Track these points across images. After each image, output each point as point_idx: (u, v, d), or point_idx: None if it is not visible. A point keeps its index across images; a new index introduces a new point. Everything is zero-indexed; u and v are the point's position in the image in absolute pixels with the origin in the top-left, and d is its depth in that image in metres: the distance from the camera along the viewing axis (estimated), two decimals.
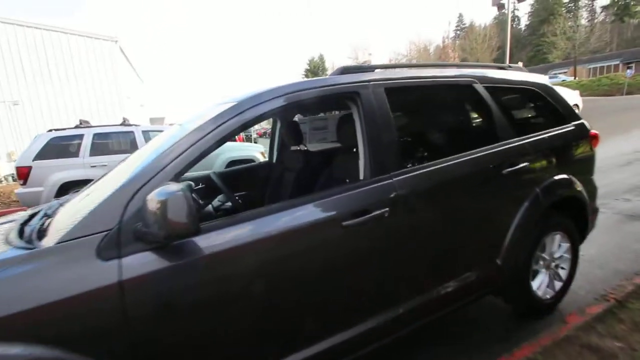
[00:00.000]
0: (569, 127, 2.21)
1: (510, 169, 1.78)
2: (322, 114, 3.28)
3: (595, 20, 44.10)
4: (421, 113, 1.86)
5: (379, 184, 1.44)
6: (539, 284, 2.10)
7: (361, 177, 1.51)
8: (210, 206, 1.61)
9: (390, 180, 1.46)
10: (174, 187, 0.96)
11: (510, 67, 2.22)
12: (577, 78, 30.25)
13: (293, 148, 2.66)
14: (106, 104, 15.89)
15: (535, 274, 2.08)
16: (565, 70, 35.46)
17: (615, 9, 43.45)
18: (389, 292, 1.49)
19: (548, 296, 2.14)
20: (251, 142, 14.64)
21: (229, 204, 1.61)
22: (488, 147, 1.77)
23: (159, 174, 1.10)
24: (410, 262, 1.54)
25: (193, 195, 1.76)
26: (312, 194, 1.35)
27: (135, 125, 6.41)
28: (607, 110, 14.03)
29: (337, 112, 3.20)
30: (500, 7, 17.33)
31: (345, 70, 1.58)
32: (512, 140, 1.87)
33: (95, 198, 1.14)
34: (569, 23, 36.13)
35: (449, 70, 1.84)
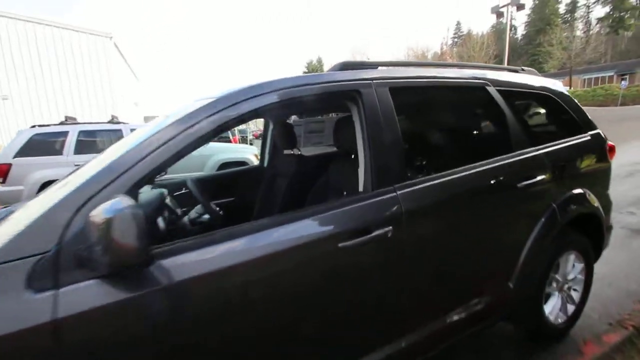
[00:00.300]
0: (586, 137, 2.03)
1: (526, 182, 1.59)
2: (318, 117, 3.08)
3: (591, 32, 44.74)
4: (429, 117, 1.67)
5: (382, 197, 1.24)
6: (552, 308, 1.92)
7: (360, 188, 1.32)
8: (186, 218, 1.39)
9: (394, 194, 1.26)
10: (125, 201, 0.75)
11: (523, 70, 2.05)
12: (571, 88, 30.52)
13: (286, 152, 2.46)
14: (98, 101, 15.56)
15: (547, 297, 1.90)
16: (561, 80, 35.80)
17: (610, 21, 44.27)
18: (391, 324, 1.29)
19: (560, 321, 1.96)
20: (247, 143, 14.39)
21: (207, 216, 1.39)
22: (502, 157, 1.59)
23: (113, 183, 0.89)
24: (416, 289, 1.34)
25: (170, 203, 1.55)
26: (303, 209, 1.14)
27: (124, 123, 6.16)
28: (603, 120, 14.05)
29: (334, 115, 3.00)
30: (499, 14, 17.38)
31: (345, 66, 1.39)
32: (527, 150, 1.69)
33: (34, 211, 0.92)
34: (565, 34, 36.56)
35: (460, 71, 1.65)
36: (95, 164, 1.06)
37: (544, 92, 1.96)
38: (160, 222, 1.21)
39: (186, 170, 5.95)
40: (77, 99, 15.29)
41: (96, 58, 15.65)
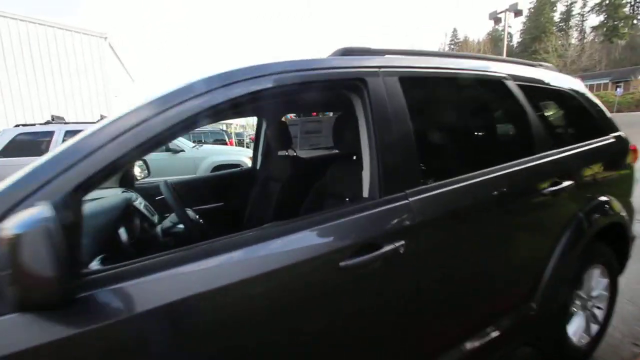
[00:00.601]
0: (609, 139, 1.85)
1: (552, 189, 1.40)
2: (315, 117, 2.88)
3: (585, 40, 45.27)
4: (444, 113, 1.48)
5: (391, 205, 1.04)
6: (575, 328, 1.72)
7: (365, 194, 1.11)
8: (159, 228, 1.17)
9: (406, 201, 1.06)
10: (42, 212, 0.54)
11: (540, 65, 1.87)
12: None
13: (280, 153, 2.25)
14: (92, 101, 15.26)
15: (570, 316, 1.70)
16: None
17: (605, 29, 44.85)
18: (401, 358, 1.08)
19: (584, 342, 1.75)
20: (243, 146, 14.14)
21: (182, 226, 1.17)
22: (526, 159, 1.40)
23: (45, 186, 0.67)
24: (432, 314, 1.13)
25: (144, 210, 1.34)
26: (295, 219, 0.93)
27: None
28: None
29: (332, 114, 2.80)
30: (497, 20, 17.41)
31: (347, 52, 1.19)
32: (551, 152, 1.50)
33: None
34: (560, 41, 36.91)
35: (476, 62, 1.47)
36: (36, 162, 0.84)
37: (565, 90, 1.78)
38: (123, 234, 0.99)
39: (177, 173, 5.73)
40: (70, 99, 14.99)
41: (90, 58, 15.37)
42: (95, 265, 0.81)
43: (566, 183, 1.45)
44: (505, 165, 1.34)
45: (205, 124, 0.96)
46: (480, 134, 1.63)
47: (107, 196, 1.14)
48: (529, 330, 1.48)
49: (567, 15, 50.05)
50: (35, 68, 14.36)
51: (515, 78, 1.54)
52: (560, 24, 50.26)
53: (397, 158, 1.09)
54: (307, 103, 1.90)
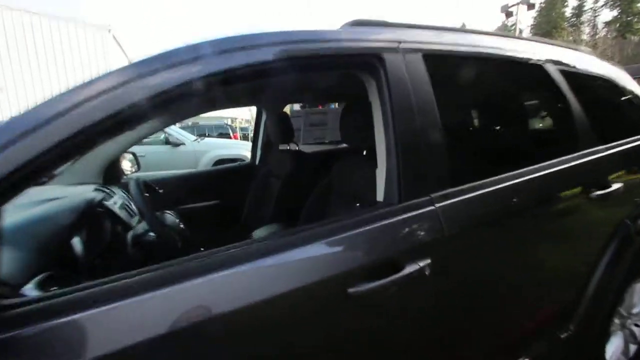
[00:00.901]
0: None
1: (601, 192, 1.18)
2: (320, 108, 2.66)
3: (597, 36, 44.14)
4: (476, 101, 1.25)
5: (414, 212, 0.83)
6: (613, 350, 1.51)
7: (380, 197, 0.91)
8: (130, 235, 0.97)
9: (432, 207, 0.85)
10: None
11: (579, 49, 1.63)
12: None
13: (282, 147, 2.06)
14: None
15: (608, 337, 1.49)
16: None
17: (618, 25, 43.69)
18: None
19: None
20: (248, 140, 13.94)
21: (152, 234, 0.95)
22: (571, 156, 1.18)
23: None
24: (458, 343, 0.93)
25: (122, 212, 1.15)
26: (291, 232, 0.73)
27: None
28: None
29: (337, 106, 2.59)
30: (508, 14, 16.91)
31: (360, 23, 0.98)
32: (597, 149, 1.28)
33: None
34: (571, 37, 36.05)
35: (512, 41, 1.24)
36: None
37: (610, 80, 1.55)
38: (77, 245, 0.80)
39: (177, 168, 5.55)
40: None
41: (94, 50, 15.25)
42: (30, 290, 0.62)
43: (616, 185, 1.23)
44: (548, 163, 1.12)
45: (178, 113, 0.76)
46: (518, 126, 1.40)
47: (64, 196, 0.95)
48: (564, 355, 1.27)
49: (579, 10, 48.84)
50: (39, 61, 14.27)
51: (555, 62, 1.32)
52: (572, 19, 49.08)
53: (420, 154, 0.88)
54: (311, 87, 1.68)
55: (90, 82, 0.64)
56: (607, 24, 46.36)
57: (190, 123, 12.81)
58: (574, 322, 1.25)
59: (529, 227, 1.04)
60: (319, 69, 0.90)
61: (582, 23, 49.08)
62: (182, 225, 1.03)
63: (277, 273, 0.65)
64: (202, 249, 0.82)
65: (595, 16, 49.51)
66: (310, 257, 0.69)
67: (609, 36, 43.83)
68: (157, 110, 0.68)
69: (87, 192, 1.07)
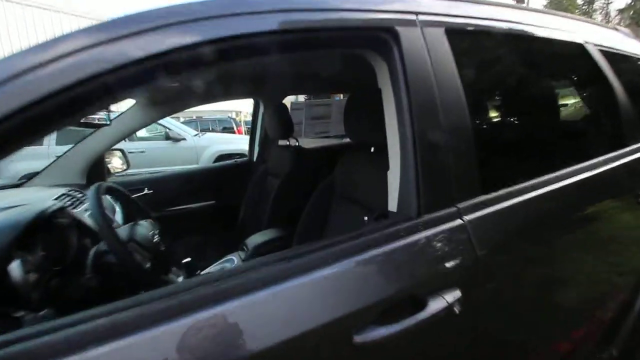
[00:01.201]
0: None
1: None
2: (324, 99, 2.47)
3: (609, 24, 42.92)
4: (512, 88, 1.04)
5: (437, 228, 0.65)
6: None
7: (393, 207, 0.73)
8: (92, 253, 0.80)
9: (460, 221, 0.67)
10: None
11: (617, 29, 1.42)
12: None
13: (281, 143, 1.89)
14: None
15: None
16: None
17: (632, 12, 42.36)
18: None
19: None
20: None
21: (112, 256, 0.77)
22: (617, 154, 0.98)
23: None
24: None
25: (88, 223, 0.99)
26: (280, 258, 0.56)
27: (112, 111, 5.61)
28: None
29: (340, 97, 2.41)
30: (519, 0, 16.39)
31: None
32: None
33: None
34: None
35: (549, 18, 1.04)
36: None
37: None
38: (16, 270, 0.63)
39: (177, 164, 5.41)
40: None
41: None
42: None
43: None
44: (594, 162, 0.93)
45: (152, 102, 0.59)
46: (562, 119, 1.20)
47: (16, 204, 0.79)
48: None
49: None
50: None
51: (596, 43, 1.12)
52: (583, 7, 47.73)
53: (444, 153, 0.70)
54: (309, 71, 1.49)
55: (43, 46, 0.47)
56: (620, 11, 44.99)
57: (194, 117, 12.68)
58: (616, 346, 1.07)
59: (576, 238, 0.86)
60: (319, 46, 0.72)
61: (594, 10, 47.70)
62: (157, 238, 0.87)
63: (254, 316, 0.48)
64: (184, 261, 0.65)
65: (608, 3, 48.03)
66: (300, 296, 0.52)
67: (622, 24, 42.58)
68: (119, 90, 0.51)
69: (46, 198, 0.90)
